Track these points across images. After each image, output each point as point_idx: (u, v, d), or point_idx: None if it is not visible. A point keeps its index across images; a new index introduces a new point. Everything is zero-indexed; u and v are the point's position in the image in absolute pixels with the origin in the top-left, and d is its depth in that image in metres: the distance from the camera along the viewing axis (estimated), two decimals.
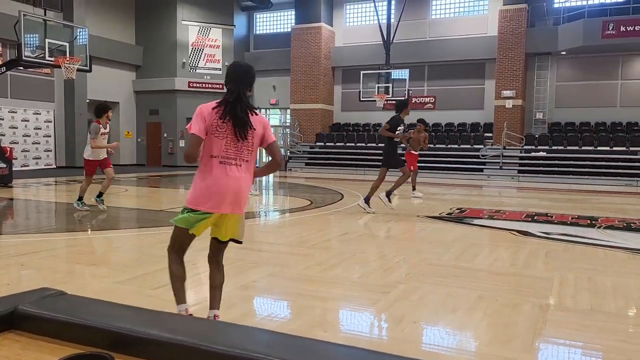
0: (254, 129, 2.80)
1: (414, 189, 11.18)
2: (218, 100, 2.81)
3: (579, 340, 3.04)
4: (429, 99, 20.96)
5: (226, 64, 22.98)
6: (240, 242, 2.95)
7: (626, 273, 4.58)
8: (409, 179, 10.05)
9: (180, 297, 2.88)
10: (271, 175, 12.90)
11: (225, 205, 2.74)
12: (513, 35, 18.69)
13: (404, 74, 18.88)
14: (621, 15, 17.14)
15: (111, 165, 7.93)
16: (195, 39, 22.57)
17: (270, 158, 2.97)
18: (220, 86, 22.68)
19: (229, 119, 2.73)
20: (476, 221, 7.62)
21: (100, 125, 7.62)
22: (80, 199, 7.90)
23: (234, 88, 2.79)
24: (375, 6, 19.67)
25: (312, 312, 3.45)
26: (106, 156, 7.86)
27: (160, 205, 8.57)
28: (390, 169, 8.40)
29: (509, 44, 18.74)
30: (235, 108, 2.74)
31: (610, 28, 16.82)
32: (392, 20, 19.22)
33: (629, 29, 16.68)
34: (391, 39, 19.06)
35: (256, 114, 2.84)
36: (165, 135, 22.72)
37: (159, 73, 22.37)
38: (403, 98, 8.49)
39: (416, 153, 11.07)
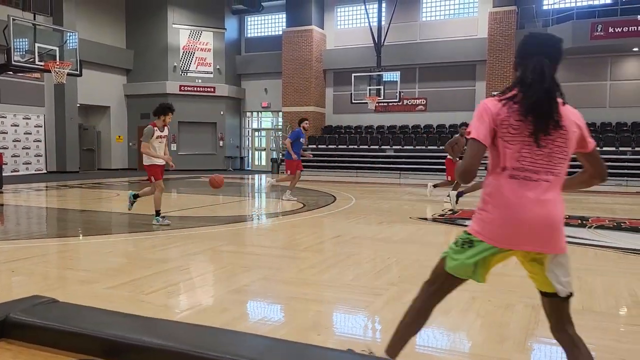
0: (565, 129, 1.92)
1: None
2: (509, 86, 1.98)
3: None
4: (420, 100, 21.04)
5: (217, 67, 22.94)
6: (566, 298, 2.00)
7: (617, 272, 4.62)
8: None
9: (394, 350, 2.19)
10: (264, 178, 12.36)
11: (525, 239, 1.93)
12: (503, 37, 18.81)
13: (395, 76, 18.97)
14: (609, 16, 17.31)
15: (162, 177, 7.13)
16: (186, 43, 22.52)
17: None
18: (212, 90, 22.63)
19: (530, 111, 1.86)
20: (469, 222, 7.61)
21: (156, 128, 6.92)
22: (157, 213, 7.05)
23: (534, 63, 1.89)
24: (366, 9, 19.74)
25: (306, 315, 3.45)
26: (163, 164, 7.17)
27: (151, 210, 8.50)
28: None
29: (499, 46, 18.86)
30: (539, 94, 1.87)
31: (599, 29, 16.98)
32: (383, 23, 19.29)
33: (617, 30, 16.84)
34: (382, 41, 19.13)
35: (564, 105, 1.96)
36: None
37: (150, 77, 22.28)
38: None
39: (457, 160, 9.64)
